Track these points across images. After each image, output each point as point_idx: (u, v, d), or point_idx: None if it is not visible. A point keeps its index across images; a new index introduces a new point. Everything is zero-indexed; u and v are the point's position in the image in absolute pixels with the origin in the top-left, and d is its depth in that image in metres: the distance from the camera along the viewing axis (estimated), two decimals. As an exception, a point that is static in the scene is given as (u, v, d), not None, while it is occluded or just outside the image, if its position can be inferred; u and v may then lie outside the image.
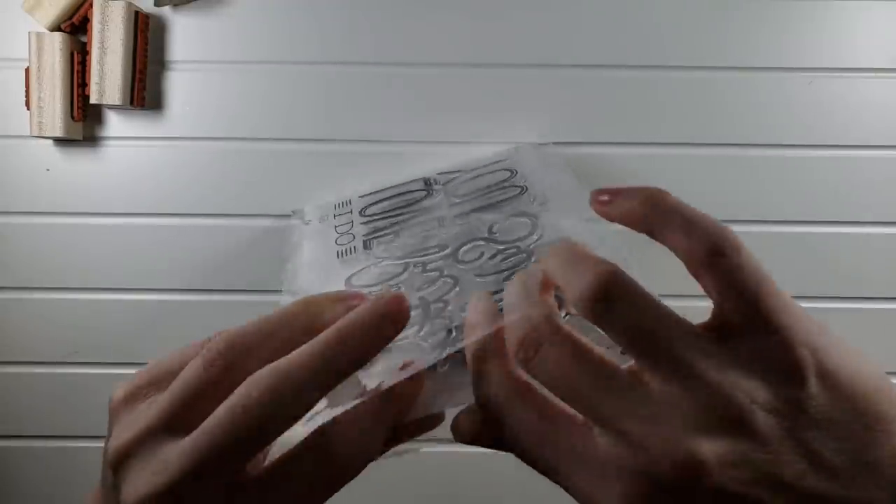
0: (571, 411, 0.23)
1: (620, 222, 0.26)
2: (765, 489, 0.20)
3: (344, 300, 0.24)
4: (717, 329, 0.23)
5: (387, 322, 0.23)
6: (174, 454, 0.21)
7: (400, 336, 0.24)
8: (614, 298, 0.22)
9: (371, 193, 0.45)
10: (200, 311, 0.49)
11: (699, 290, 0.23)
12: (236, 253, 0.49)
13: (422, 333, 0.32)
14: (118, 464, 0.22)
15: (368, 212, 0.43)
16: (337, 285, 0.38)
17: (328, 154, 0.49)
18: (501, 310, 0.26)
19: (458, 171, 0.45)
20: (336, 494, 0.24)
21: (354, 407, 0.24)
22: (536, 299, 0.24)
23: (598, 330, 0.23)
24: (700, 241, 0.23)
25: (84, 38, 0.48)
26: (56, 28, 0.47)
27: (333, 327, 0.23)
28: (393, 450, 0.27)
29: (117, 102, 0.47)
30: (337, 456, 0.23)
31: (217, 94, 0.49)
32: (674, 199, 0.25)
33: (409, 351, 0.30)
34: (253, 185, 0.49)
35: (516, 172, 0.43)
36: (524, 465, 0.24)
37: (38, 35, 0.46)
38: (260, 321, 0.24)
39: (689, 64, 0.48)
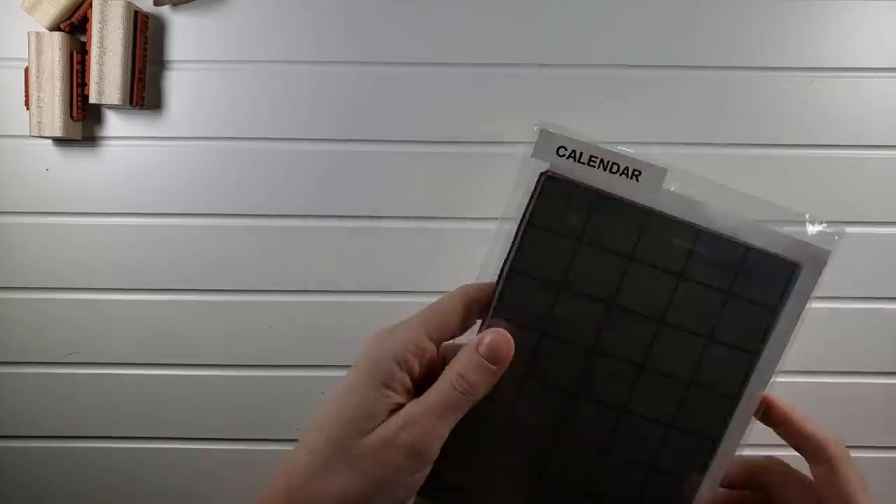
0: None
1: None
2: None
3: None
4: None
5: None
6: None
7: None
8: None
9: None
10: (200, 311, 0.49)
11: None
12: (236, 253, 0.49)
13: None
14: None
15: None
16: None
17: (328, 154, 0.49)
18: None
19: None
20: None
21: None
22: None
23: None
24: None
25: (83, 38, 0.48)
26: (55, 28, 0.47)
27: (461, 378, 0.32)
28: None
29: (116, 102, 0.47)
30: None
31: (216, 94, 0.49)
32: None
33: None
34: (252, 185, 0.49)
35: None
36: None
37: (38, 35, 0.46)
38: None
39: (688, 64, 0.48)
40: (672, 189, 0.34)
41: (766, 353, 0.35)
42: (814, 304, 0.48)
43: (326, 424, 0.32)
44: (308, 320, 0.49)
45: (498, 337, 0.33)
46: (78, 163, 0.49)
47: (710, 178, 0.35)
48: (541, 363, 0.36)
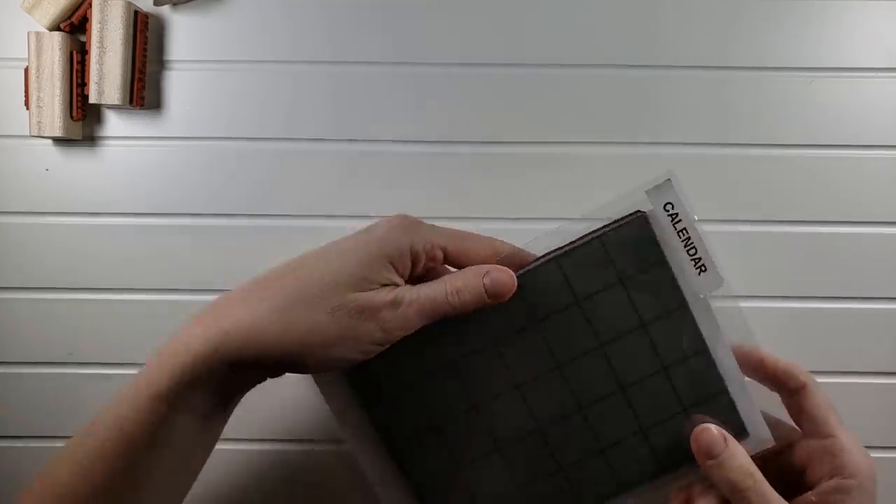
0: None
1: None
2: None
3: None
4: None
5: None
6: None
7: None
8: None
9: None
10: (199, 311, 0.49)
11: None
12: (236, 253, 0.49)
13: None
14: None
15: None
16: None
17: (329, 154, 0.49)
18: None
19: None
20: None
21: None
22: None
23: None
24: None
25: (83, 38, 0.48)
26: (55, 28, 0.47)
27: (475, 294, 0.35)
28: None
29: (116, 102, 0.47)
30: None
31: (216, 94, 0.49)
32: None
33: None
34: (253, 185, 0.49)
35: None
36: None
37: (38, 35, 0.46)
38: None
39: (688, 64, 0.48)
40: (707, 300, 0.37)
41: (658, 483, 0.38)
42: (814, 304, 0.49)
43: (323, 263, 0.33)
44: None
45: (506, 276, 0.35)
46: (78, 163, 0.49)
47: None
48: (515, 346, 0.37)
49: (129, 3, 0.47)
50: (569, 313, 0.37)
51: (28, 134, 0.47)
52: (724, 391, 0.37)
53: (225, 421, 0.37)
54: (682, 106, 0.48)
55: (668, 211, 0.36)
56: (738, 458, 0.35)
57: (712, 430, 0.36)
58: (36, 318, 0.50)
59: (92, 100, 0.47)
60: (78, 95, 0.47)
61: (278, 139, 0.49)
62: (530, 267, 0.37)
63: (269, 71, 0.49)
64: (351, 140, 0.49)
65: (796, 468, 0.39)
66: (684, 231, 0.36)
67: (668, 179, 0.36)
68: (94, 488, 0.32)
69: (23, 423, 0.50)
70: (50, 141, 0.49)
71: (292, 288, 0.33)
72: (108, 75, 0.46)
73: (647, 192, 0.36)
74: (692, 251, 0.36)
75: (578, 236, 0.37)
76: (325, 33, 0.49)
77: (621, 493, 0.38)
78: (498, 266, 0.35)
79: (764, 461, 0.37)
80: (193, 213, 0.49)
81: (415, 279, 0.35)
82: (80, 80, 0.47)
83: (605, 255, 0.36)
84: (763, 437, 0.38)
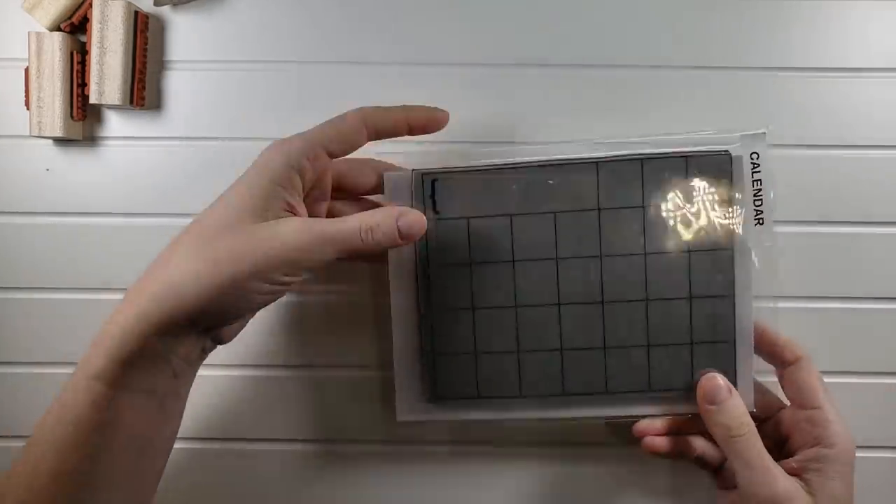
0: None
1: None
2: None
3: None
4: None
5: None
6: None
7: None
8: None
9: None
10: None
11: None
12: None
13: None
14: None
15: None
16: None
17: (328, 154, 0.49)
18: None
19: None
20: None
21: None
22: None
23: None
24: None
25: (84, 38, 0.48)
26: (56, 28, 0.47)
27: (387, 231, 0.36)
28: None
29: (117, 102, 0.47)
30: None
31: (216, 94, 0.49)
32: None
33: None
34: (252, 185, 0.49)
35: None
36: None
37: (38, 35, 0.46)
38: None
39: (688, 63, 0.48)
40: (752, 251, 0.40)
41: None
42: (814, 305, 0.48)
43: (221, 207, 0.35)
44: (308, 321, 0.49)
45: (417, 218, 0.36)
46: (78, 163, 0.49)
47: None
48: (572, 222, 0.39)
49: (130, 4, 0.47)
50: (631, 213, 0.39)
51: (28, 134, 0.47)
52: (731, 342, 0.40)
53: (181, 399, 0.37)
54: (681, 106, 0.48)
55: (752, 159, 0.40)
56: (738, 409, 0.38)
57: (718, 379, 0.39)
58: (36, 318, 0.50)
59: (92, 100, 0.47)
60: (78, 95, 0.47)
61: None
62: (616, 158, 0.40)
63: (269, 71, 0.49)
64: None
65: (781, 435, 0.41)
66: (759, 182, 0.39)
67: (764, 132, 0.40)
68: (51, 476, 0.32)
69: (23, 424, 0.50)
70: (50, 141, 0.49)
71: (195, 237, 0.35)
72: (108, 75, 0.46)
73: (741, 135, 0.40)
74: (758, 202, 0.39)
75: (671, 150, 0.40)
76: (326, 33, 0.49)
77: (603, 395, 0.40)
78: (411, 210, 0.37)
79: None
80: (193, 214, 0.49)
81: (316, 183, 0.38)
82: (80, 81, 0.47)
83: (685, 174, 0.39)
84: (747, 401, 0.40)
